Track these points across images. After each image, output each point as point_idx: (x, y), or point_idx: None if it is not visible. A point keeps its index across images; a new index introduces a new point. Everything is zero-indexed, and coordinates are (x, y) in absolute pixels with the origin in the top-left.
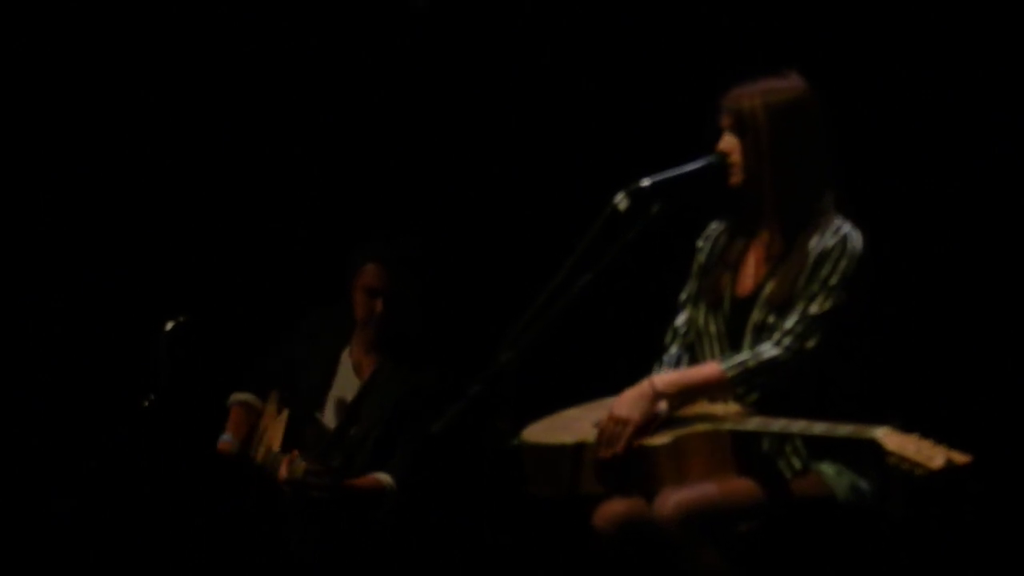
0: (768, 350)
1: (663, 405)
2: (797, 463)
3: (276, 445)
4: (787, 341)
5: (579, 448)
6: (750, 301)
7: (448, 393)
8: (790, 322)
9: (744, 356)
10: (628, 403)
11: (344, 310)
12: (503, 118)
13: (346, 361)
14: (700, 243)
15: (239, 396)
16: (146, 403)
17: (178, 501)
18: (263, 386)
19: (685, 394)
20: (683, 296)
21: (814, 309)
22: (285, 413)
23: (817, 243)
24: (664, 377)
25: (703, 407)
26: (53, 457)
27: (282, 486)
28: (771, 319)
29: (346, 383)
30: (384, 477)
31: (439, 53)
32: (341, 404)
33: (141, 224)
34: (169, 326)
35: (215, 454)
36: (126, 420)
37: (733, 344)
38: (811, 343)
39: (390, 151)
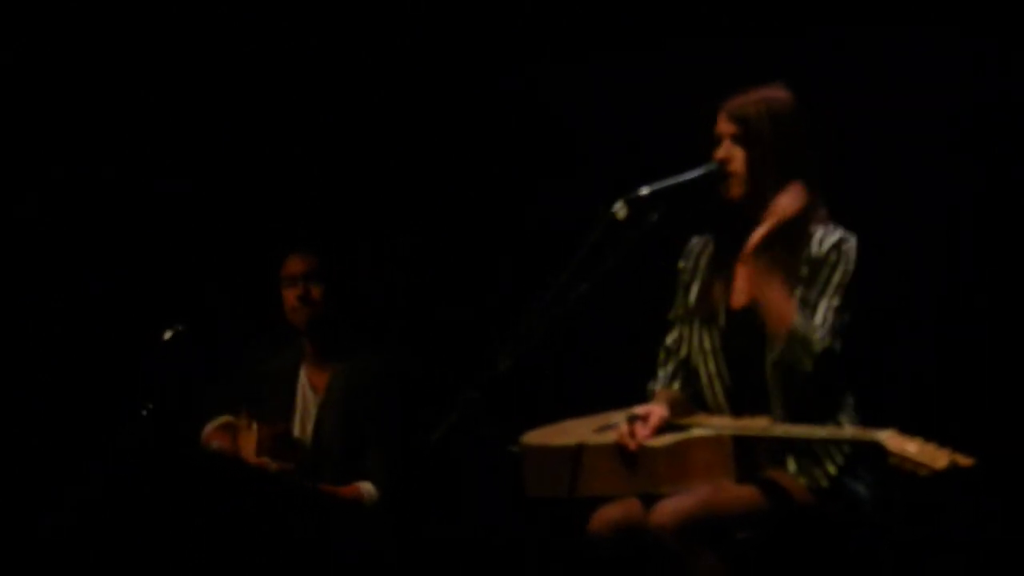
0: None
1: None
2: (833, 469)
3: (251, 456)
4: (822, 351)
5: (579, 449)
6: (746, 313)
7: (398, 373)
8: (818, 332)
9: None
10: None
11: (290, 329)
12: (500, 124)
13: (303, 379)
14: (682, 263)
15: (217, 422)
16: (144, 411)
17: (177, 508)
18: (231, 409)
19: None
20: (671, 315)
21: (829, 314)
22: (255, 426)
23: (812, 251)
24: None
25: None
26: (51, 466)
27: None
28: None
29: (306, 401)
30: (366, 486)
31: (435, 56)
32: (305, 423)
33: (137, 233)
34: (168, 335)
35: (213, 454)
36: (125, 428)
37: (729, 358)
38: (830, 346)
39: (385, 156)
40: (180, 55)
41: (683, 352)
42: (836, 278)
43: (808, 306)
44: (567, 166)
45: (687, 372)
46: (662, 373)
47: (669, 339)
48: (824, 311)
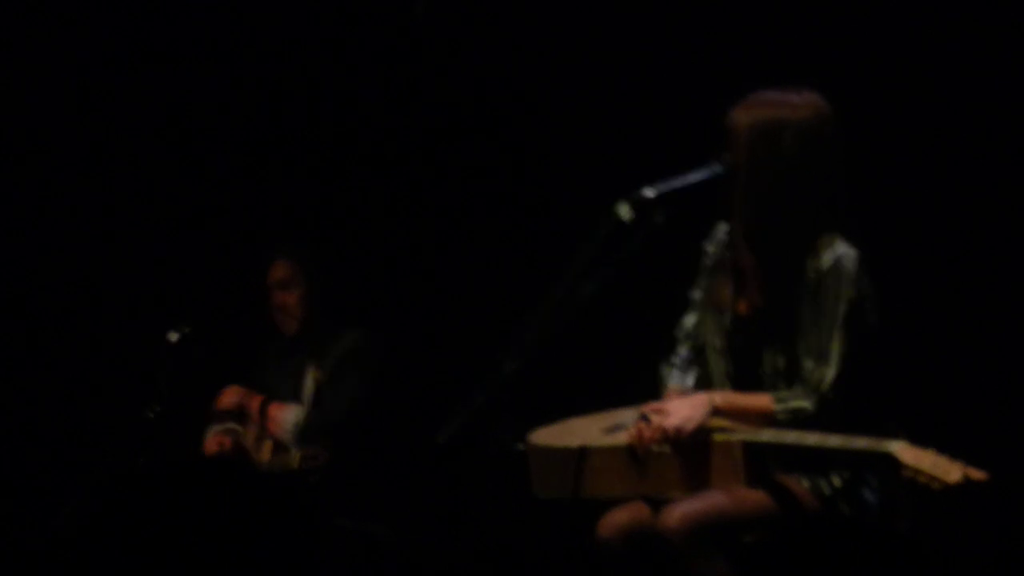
0: (818, 401)
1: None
2: (838, 482)
3: (266, 455)
4: (831, 394)
5: (583, 452)
6: (749, 323)
7: (375, 345)
8: (830, 371)
9: (797, 403)
10: (687, 407)
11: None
12: (509, 123)
13: (309, 377)
14: (707, 246)
15: (221, 426)
16: (151, 414)
17: (182, 510)
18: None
19: (735, 415)
20: (693, 294)
21: (842, 349)
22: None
23: (813, 268)
24: (722, 394)
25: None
26: (58, 468)
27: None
28: (806, 363)
29: (309, 400)
30: (292, 408)
31: (444, 57)
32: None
33: (145, 234)
34: (174, 337)
35: (211, 458)
36: (131, 431)
37: (736, 361)
38: (849, 382)
39: (388, 156)
40: (181, 58)
41: (701, 337)
42: (842, 306)
43: (822, 331)
44: (569, 163)
45: (702, 361)
46: (676, 359)
47: (688, 320)
48: (839, 346)
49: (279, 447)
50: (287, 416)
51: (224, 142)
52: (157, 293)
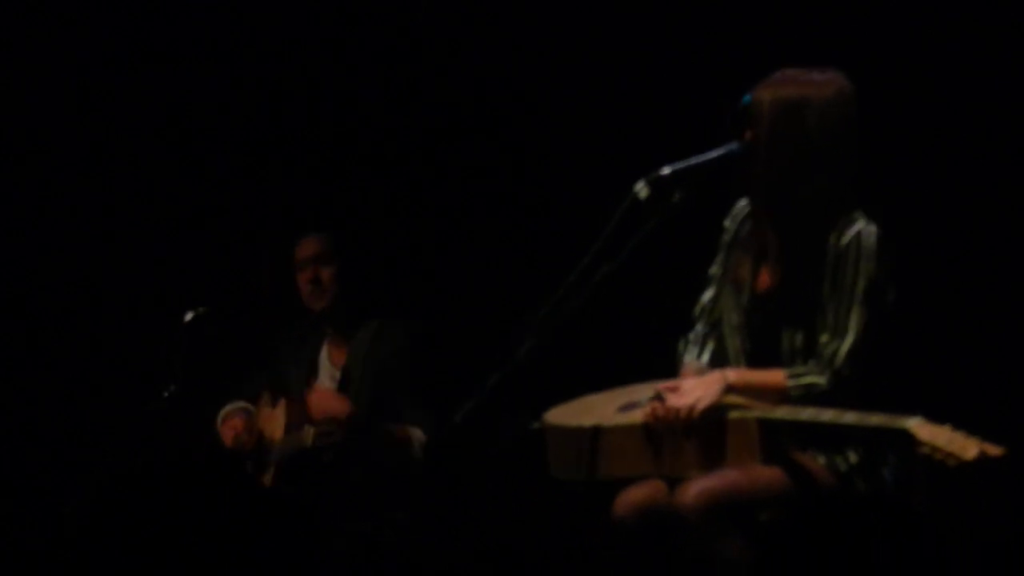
0: (831, 377)
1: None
2: (854, 458)
3: (279, 434)
4: (846, 369)
5: (596, 432)
6: (768, 300)
7: (417, 340)
8: (845, 345)
9: (811, 379)
10: (701, 386)
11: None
12: (522, 106)
13: (324, 358)
14: (727, 223)
15: (233, 405)
16: (166, 394)
17: (194, 494)
18: (252, 393)
19: (748, 392)
20: (712, 270)
21: (859, 324)
22: (282, 404)
23: (832, 244)
24: (736, 371)
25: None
26: (72, 449)
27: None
28: (821, 338)
29: (328, 377)
30: (416, 431)
31: (463, 39)
32: None
33: (159, 214)
34: (189, 317)
35: (228, 449)
36: (146, 411)
37: (753, 338)
38: (865, 359)
39: (405, 138)
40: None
41: (717, 312)
42: (861, 282)
43: (839, 307)
44: (577, 150)
45: (719, 337)
46: (693, 335)
47: (706, 296)
48: (856, 321)
49: (291, 425)
50: (415, 436)
51: (225, 137)
52: (158, 293)
